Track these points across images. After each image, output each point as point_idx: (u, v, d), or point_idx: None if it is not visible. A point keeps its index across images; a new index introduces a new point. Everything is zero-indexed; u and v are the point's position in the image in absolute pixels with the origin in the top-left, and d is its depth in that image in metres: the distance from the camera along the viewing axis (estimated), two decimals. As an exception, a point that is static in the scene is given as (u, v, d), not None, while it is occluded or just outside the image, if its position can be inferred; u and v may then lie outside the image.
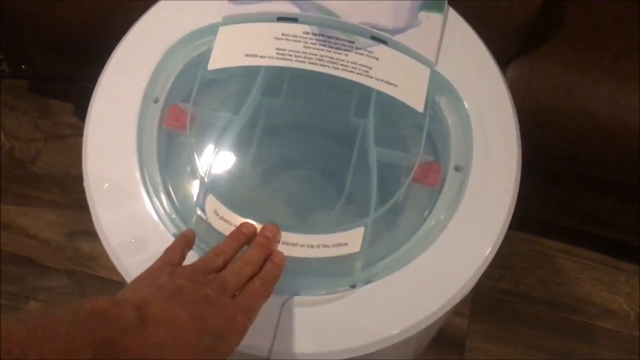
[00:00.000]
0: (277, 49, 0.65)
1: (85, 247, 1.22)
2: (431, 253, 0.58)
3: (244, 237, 0.55)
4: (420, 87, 0.64)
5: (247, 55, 0.65)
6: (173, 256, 0.51)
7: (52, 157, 1.31)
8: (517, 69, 0.92)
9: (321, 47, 0.65)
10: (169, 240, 0.57)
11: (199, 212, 0.58)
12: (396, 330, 0.55)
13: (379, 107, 0.64)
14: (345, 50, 0.65)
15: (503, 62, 0.90)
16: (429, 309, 0.56)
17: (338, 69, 0.64)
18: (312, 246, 0.57)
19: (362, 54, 0.65)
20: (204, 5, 0.68)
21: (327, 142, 0.68)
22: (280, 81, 0.66)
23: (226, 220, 0.58)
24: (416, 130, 0.64)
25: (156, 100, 0.64)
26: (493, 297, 1.21)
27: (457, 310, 1.17)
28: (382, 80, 0.64)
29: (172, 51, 0.66)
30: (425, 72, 0.65)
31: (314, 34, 0.66)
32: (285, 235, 0.57)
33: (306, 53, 0.65)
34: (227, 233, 0.56)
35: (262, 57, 0.65)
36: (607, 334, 1.19)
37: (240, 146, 0.64)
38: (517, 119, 0.64)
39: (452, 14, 0.69)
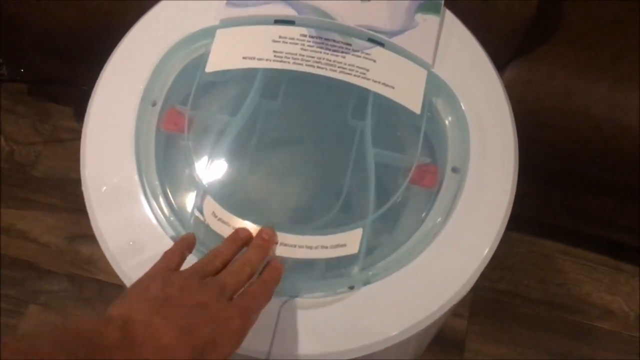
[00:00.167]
0: (274, 51, 0.65)
1: (84, 251, 1.22)
2: (429, 254, 0.58)
3: (241, 240, 0.55)
4: (417, 89, 0.64)
5: (244, 58, 0.65)
6: (171, 260, 0.51)
7: (51, 160, 1.31)
8: (515, 70, 0.92)
9: (318, 50, 0.65)
10: (167, 242, 0.58)
11: (197, 214, 0.59)
12: (395, 331, 0.55)
13: (377, 109, 0.64)
14: (342, 52, 0.65)
15: (502, 63, 0.90)
16: (428, 310, 0.56)
17: (335, 71, 0.64)
18: (310, 247, 0.57)
19: (359, 56, 0.65)
20: (201, 8, 0.68)
21: (325, 144, 0.68)
22: (278, 83, 0.66)
23: (224, 222, 0.58)
24: (413, 131, 0.64)
25: (154, 103, 0.64)
26: (493, 298, 1.21)
27: (456, 312, 1.17)
28: (379, 82, 0.64)
29: (170, 54, 0.66)
30: (422, 73, 0.65)
31: (311, 37, 0.66)
32: (284, 237, 0.57)
33: (303, 55, 0.65)
34: (225, 235, 0.56)
35: (259, 59, 0.65)
36: (606, 334, 1.19)
37: (238, 148, 0.64)
38: (514, 119, 0.64)
39: (449, 15, 0.70)
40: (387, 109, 0.64)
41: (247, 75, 0.65)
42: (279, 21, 0.67)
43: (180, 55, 0.67)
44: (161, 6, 0.70)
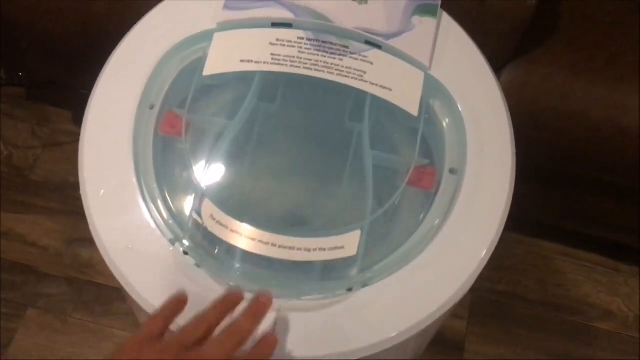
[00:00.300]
0: (272, 54, 0.65)
1: (83, 254, 1.22)
2: (427, 255, 0.58)
3: (232, 303, 0.51)
4: (414, 91, 0.64)
5: (242, 61, 0.65)
6: (154, 327, 0.47)
7: (50, 164, 1.31)
8: (512, 71, 0.92)
9: (316, 52, 0.65)
10: (166, 246, 0.58)
11: (195, 216, 0.59)
12: (394, 332, 0.56)
13: (374, 111, 0.64)
14: (339, 55, 0.65)
15: (499, 65, 0.90)
16: (426, 311, 0.56)
17: (333, 73, 0.64)
18: (309, 250, 0.57)
19: (356, 59, 0.65)
20: (199, 11, 0.69)
21: (323, 146, 0.68)
22: (276, 86, 0.66)
23: (222, 225, 0.58)
24: (411, 133, 0.64)
25: (152, 107, 0.65)
26: (492, 300, 1.21)
27: (456, 313, 1.17)
28: (376, 85, 0.64)
29: (168, 57, 0.66)
30: (420, 75, 0.65)
31: (309, 39, 0.66)
32: (282, 239, 0.57)
33: (301, 58, 0.65)
34: (223, 237, 0.56)
35: (257, 62, 0.65)
36: (606, 335, 1.19)
37: (236, 151, 0.65)
38: (511, 121, 0.65)
39: (446, 17, 0.70)
40: (385, 111, 0.65)
41: (245, 78, 0.65)
42: (276, 24, 0.67)
43: (178, 59, 0.67)
44: (159, 9, 0.70)
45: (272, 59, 0.65)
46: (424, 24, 0.67)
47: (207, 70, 0.65)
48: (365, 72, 0.65)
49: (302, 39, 0.66)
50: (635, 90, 0.89)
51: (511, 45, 0.89)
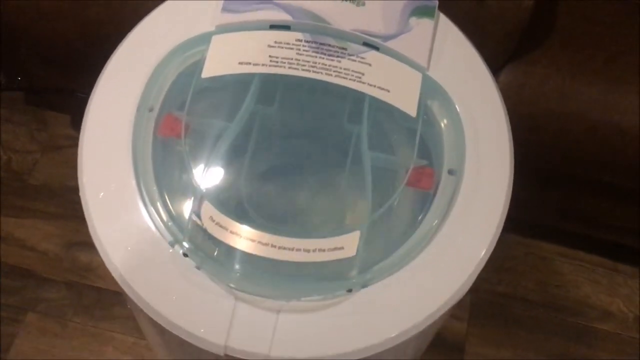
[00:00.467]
0: (270, 56, 0.65)
1: (83, 258, 1.22)
2: (426, 256, 0.58)
3: None
4: (412, 92, 0.64)
5: (240, 63, 0.65)
6: None
7: (49, 168, 1.31)
8: (510, 73, 0.92)
9: (314, 54, 0.65)
10: (166, 248, 0.58)
11: (194, 218, 0.59)
12: (393, 333, 0.56)
13: (373, 112, 0.64)
14: (337, 56, 0.65)
15: (497, 67, 0.90)
16: (426, 312, 0.56)
17: (331, 75, 0.64)
18: (308, 250, 0.57)
19: (354, 60, 0.65)
20: (197, 14, 0.69)
21: (321, 147, 0.68)
22: (274, 88, 0.66)
23: (222, 227, 0.58)
24: (409, 134, 0.64)
25: (151, 109, 0.65)
26: (492, 301, 1.21)
27: (456, 315, 1.17)
28: (374, 86, 0.64)
29: (166, 60, 0.66)
30: (417, 77, 0.65)
31: (307, 41, 0.66)
32: (281, 240, 0.57)
33: (299, 60, 0.65)
34: (223, 238, 0.56)
35: (255, 64, 0.65)
36: (606, 336, 1.19)
37: (234, 153, 0.65)
38: (509, 121, 0.65)
39: (443, 19, 0.70)
40: (383, 112, 0.65)
41: (243, 80, 0.65)
42: (274, 26, 0.67)
43: (176, 62, 0.67)
44: (157, 13, 0.70)
45: (271, 61, 0.65)
46: (422, 26, 0.68)
47: (206, 73, 0.65)
48: (363, 74, 0.65)
49: (300, 41, 0.66)
50: (634, 90, 0.89)
51: (509, 46, 0.90)
